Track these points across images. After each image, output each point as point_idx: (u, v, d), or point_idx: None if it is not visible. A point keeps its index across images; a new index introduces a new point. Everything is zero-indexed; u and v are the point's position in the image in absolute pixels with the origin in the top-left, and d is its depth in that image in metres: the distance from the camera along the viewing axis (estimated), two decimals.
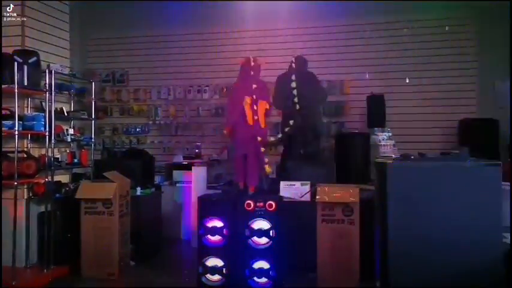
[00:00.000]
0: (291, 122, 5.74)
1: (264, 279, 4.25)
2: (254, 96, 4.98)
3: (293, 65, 5.83)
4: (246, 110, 4.93)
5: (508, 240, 2.58)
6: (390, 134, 6.14)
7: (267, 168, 4.99)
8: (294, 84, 5.73)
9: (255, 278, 4.25)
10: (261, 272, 4.24)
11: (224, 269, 4.33)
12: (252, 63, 4.99)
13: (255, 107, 4.96)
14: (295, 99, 5.66)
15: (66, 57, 5.69)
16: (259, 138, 4.88)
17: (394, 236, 2.27)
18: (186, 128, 7.56)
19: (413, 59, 6.67)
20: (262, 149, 4.96)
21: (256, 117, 4.96)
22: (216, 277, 4.35)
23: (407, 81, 6.66)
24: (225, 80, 7.05)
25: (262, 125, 5.03)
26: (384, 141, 6.02)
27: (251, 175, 5.18)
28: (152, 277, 4.93)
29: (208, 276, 4.35)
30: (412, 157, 2.47)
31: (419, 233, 2.24)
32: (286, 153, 6.10)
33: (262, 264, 4.25)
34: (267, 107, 5.17)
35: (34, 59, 4.86)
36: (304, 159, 5.84)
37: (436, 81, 6.61)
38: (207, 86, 7.46)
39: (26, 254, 4.87)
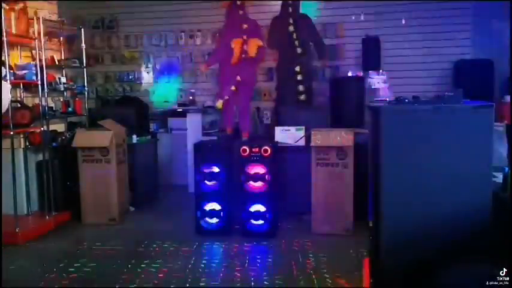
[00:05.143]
0: (297, 68, 5.67)
1: (260, 221, 4.39)
2: (245, 37, 4.93)
3: (289, 8, 5.69)
4: (234, 51, 4.90)
5: (498, 179, 2.67)
6: (385, 77, 6.11)
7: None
8: (292, 28, 5.63)
9: (252, 221, 4.39)
10: (257, 215, 4.37)
11: (222, 213, 4.46)
12: (238, 3, 4.93)
13: (245, 47, 4.92)
14: (296, 43, 5.58)
15: (53, 2, 5.50)
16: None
17: (387, 179, 2.31)
18: (179, 74, 7.47)
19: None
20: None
21: (243, 56, 4.94)
22: (214, 220, 4.48)
23: (403, 22, 6.56)
24: (217, 24, 6.87)
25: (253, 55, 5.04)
26: (379, 85, 6.00)
27: (243, 120, 5.20)
28: (152, 221, 5.07)
29: (207, 219, 4.49)
30: (406, 100, 2.48)
31: (411, 175, 2.29)
32: (280, 99, 6.09)
33: (258, 207, 4.37)
34: (260, 43, 5.12)
35: (21, 5, 4.70)
36: (299, 104, 5.85)
37: (431, 22, 6.51)
38: (198, 31, 7.30)
39: (27, 202, 4.95)
